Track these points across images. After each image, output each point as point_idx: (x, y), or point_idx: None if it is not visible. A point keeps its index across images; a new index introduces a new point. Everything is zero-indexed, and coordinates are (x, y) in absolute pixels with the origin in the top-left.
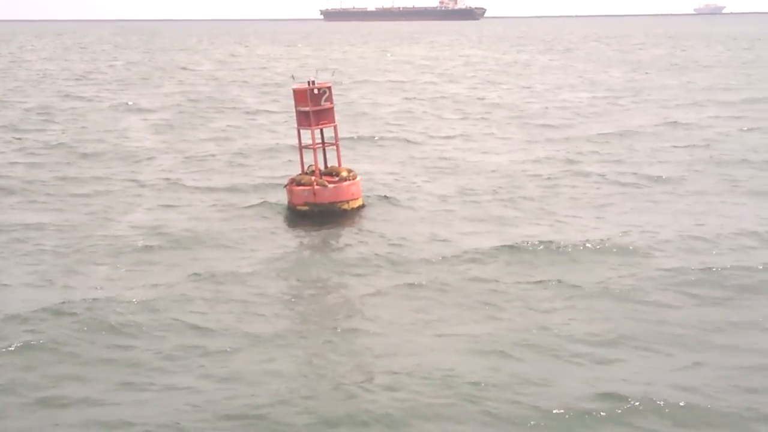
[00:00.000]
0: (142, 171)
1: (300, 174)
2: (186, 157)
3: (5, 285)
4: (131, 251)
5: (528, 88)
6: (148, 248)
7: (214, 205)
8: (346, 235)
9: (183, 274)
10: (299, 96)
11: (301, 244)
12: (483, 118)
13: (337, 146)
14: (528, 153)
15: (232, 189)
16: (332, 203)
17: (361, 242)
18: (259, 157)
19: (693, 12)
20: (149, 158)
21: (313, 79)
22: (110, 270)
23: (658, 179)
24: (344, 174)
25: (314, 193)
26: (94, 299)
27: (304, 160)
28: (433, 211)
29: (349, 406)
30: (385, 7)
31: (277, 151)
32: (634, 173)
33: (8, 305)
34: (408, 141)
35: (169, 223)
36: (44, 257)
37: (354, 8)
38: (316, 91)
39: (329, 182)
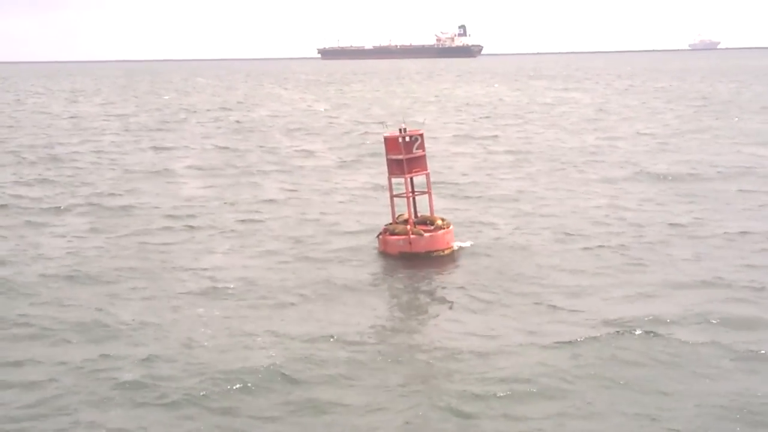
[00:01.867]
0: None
1: (392, 223)
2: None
3: None
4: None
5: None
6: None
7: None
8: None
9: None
10: (391, 144)
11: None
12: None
13: (430, 194)
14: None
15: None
16: (428, 252)
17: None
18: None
19: (688, 48)
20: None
21: (404, 126)
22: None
23: None
24: (439, 222)
25: (410, 243)
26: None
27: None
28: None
29: None
30: (382, 45)
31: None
32: None
33: None
34: None
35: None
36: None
37: (351, 47)
38: (408, 139)
39: (424, 231)
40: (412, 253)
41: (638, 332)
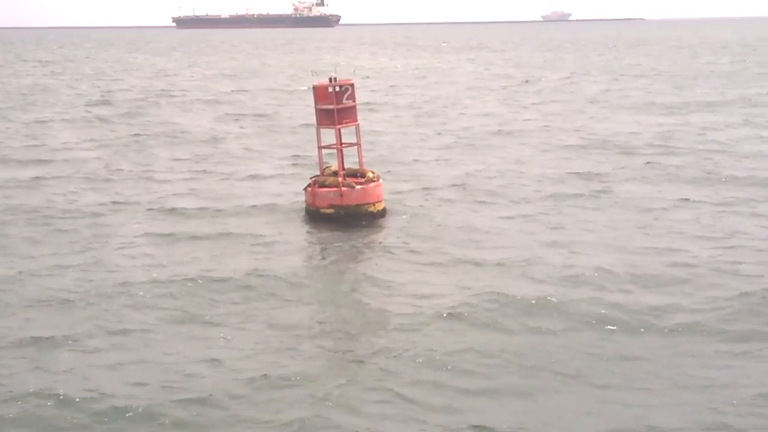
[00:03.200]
0: None
1: (322, 175)
2: None
3: None
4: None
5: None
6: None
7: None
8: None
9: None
10: (320, 93)
11: (329, 252)
12: None
13: (359, 146)
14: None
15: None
16: (359, 206)
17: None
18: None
19: (541, 19)
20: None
21: (334, 75)
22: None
23: None
24: (370, 175)
25: (341, 195)
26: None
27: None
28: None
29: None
30: (239, 14)
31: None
32: None
33: None
34: None
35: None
36: None
37: (207, 15)
38: (338, 88)
39: (355, 183)
40: (342, 206)
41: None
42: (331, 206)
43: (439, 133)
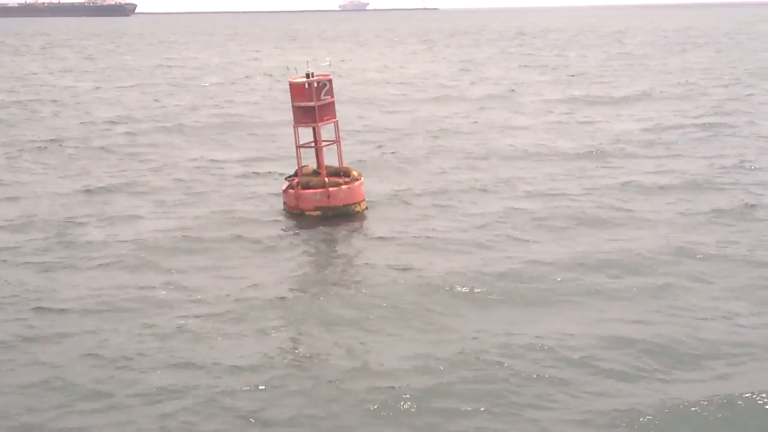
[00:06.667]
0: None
1: (304, 176)
2: None
3: None
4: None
5: None
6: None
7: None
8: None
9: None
10: (297, 90)
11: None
12: None
13: (339, 143)
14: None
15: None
16: (346, 206)
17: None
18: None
19: (339, 8)
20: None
21: (311, 70)
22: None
23: None
24: (355, 174)
25: (328, 196)
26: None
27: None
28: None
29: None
30: (28, 2)
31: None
32: None
33: None
34: None
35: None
36: None
37: None
38: (316, 84)
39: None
40: (330, 208)
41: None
42: (317, 208)
43: None
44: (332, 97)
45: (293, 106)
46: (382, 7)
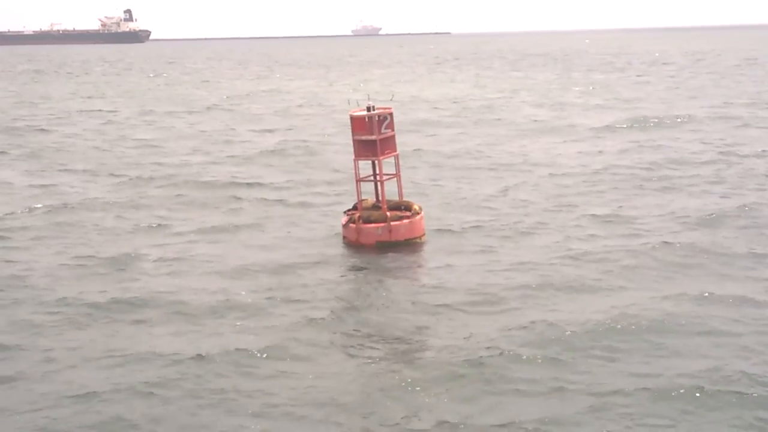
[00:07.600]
0: None
1: (364, 209)
2: None
3: None
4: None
5: None
6: None
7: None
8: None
9: None
10: (358, 123)
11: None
12: None
13: (399, 177)
14: None
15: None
16: (407, 240)
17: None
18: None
19: (351, 33)
20: None
21: (371, 103)
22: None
23: None
24: (416, 208)
25: (390, 230)
26: None
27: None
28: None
29: None
30: (43, 29)
31: None
32: None
33: None
34: None
35: None
36: None
37: (9, 31)
38: (377, 118)
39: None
40: (390, 242)
41: None
42: (378, 243)
43: None
44: (393, 130)
45: (354, 140)
46: (394, 32)
